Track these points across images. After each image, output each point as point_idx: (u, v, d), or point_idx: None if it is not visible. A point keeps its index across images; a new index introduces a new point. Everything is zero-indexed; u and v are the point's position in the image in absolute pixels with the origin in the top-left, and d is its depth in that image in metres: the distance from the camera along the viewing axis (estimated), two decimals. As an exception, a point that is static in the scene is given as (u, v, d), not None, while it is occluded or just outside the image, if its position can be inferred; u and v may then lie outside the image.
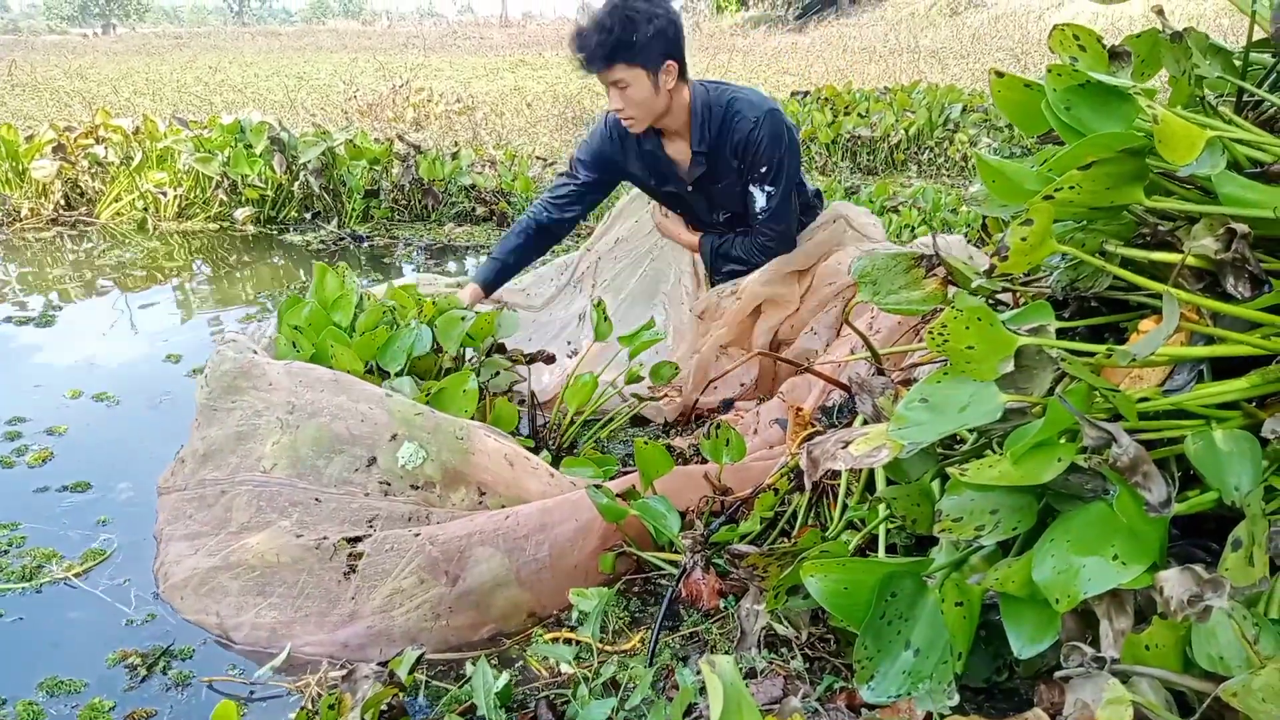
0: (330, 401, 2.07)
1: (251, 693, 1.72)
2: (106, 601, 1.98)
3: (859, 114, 7.69)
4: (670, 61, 2.60)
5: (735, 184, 2.81)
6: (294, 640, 1.83)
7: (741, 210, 2.86)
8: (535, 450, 2.44)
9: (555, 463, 2.41)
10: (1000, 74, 1.40)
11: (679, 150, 2.83)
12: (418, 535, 1.89)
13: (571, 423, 2.59)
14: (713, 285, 2.99)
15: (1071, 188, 1.16)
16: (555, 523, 1.96)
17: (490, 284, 3.03)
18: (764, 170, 2.72)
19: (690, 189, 2.88)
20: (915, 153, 7.31)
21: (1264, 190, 1.18)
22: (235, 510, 1.99)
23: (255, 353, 2.23)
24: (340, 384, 2.13)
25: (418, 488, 2.03)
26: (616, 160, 2.95)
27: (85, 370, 3.23)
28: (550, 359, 2.65)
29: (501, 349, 2.59)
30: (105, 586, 2.03)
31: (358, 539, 1.89)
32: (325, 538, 1.89)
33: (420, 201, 5.77)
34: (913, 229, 4.76)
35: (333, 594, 1.85)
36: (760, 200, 2.76)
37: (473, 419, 2.31)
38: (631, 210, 3.36)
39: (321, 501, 1.96)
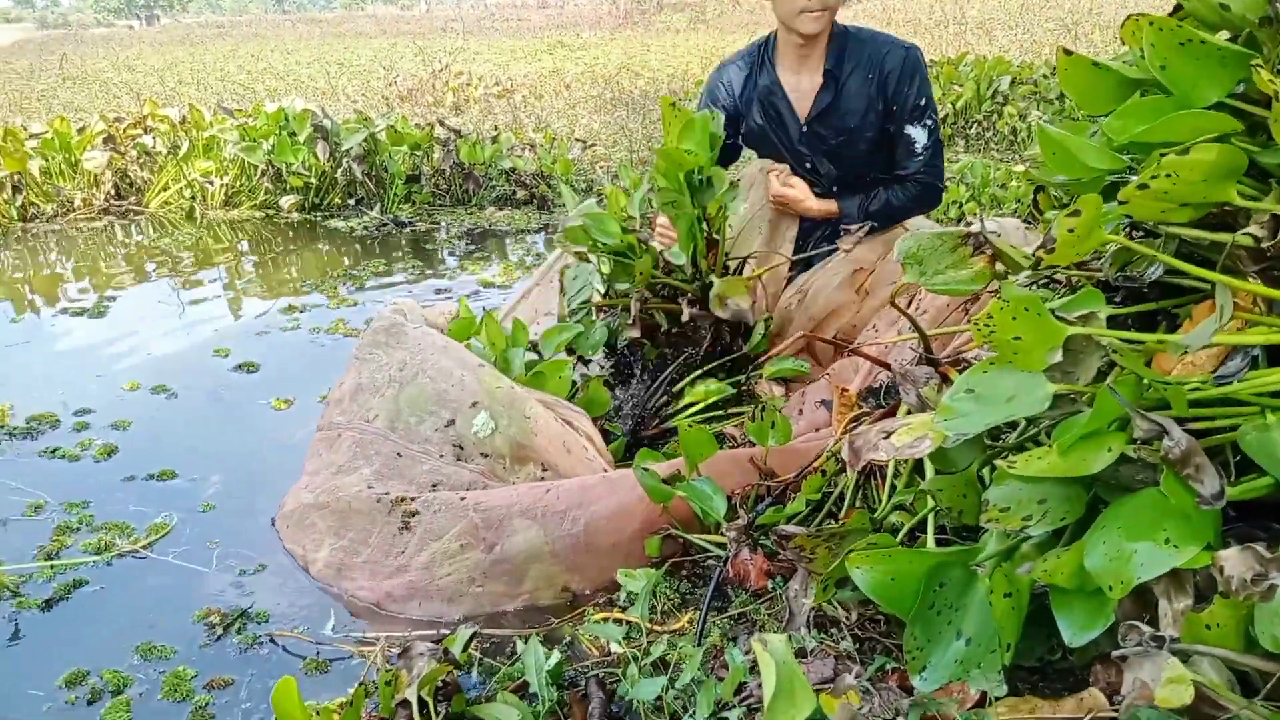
0: (437, 364, 2.20)
1: (318, 653, 1.82)
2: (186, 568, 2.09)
3: (903, 88, 7.56)
4: None
5: (867, 130, 2.59)
6: (351, 583, 1.98)
7: (862, 170, 2.66)
8: (628, 434, 2.49)
9: (631, 448, 2.45)
10: (1069, 52, 1.36)
11: (803, 88, 2.65)
12: (464, 500, 1.97)
13: (665, 416, 2.60)
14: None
15: (1167, 175, 1.10)
16: (593, 500, 1.99)
17: None
18: (923, 104, 2.54)
19: (805, 130, 2.66)
20: (963, 127, 7.19)
21: None
22: (340, 454, 2.14)
23: (404, 316, 2.43)
24: (449, 349, 2.27)
25: (487, 455, 2.12)
26: (738, 117, 2.78)
27: (142, 361, 3.31)
28: None
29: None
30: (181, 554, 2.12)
31: (413, 498, 1.99)
32: (388, 493, 2.01)
33: (461, 186, 5.80)
34: (960, 204, 4.69)
35: (387, 546, 1.98)
36: (921, 138, 2.56)
37: (570, 399, 2.44)
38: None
39: (402, 457, 2.09)
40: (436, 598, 1.92)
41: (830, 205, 2.72)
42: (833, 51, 2.57)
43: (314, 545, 2.06)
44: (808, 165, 2.76)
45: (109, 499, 2.38)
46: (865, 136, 2.61)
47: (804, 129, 2.68)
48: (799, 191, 2.71)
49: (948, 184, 4.89)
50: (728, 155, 2.88)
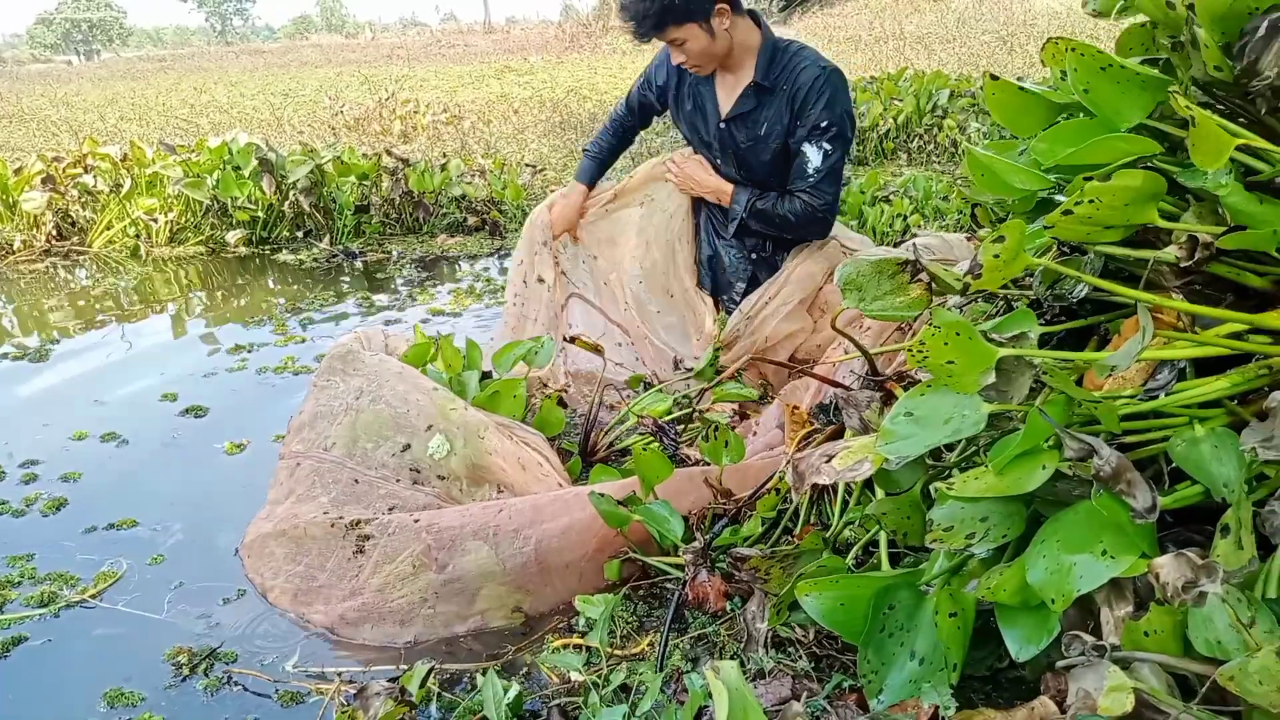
0: (393, 389, 2.23)
1: (276, 692, 1.81)
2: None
3: (846, 105, 7.68)
4: (720, 4, 2.52)
5: (772, 140, 2.65)
6: (308, 608, 2.00)
7: (764, 177, 2.74)
8: (583, 454, 2.52)
9: (586, 467, 2.47)
10: (994, 77, 1.40)
11: (729, 85, 2.72)
12: (417, 521, 1.98)
13: (626, 431, 2.61)
14: (721, 240, 2.93)
15: (1091, 201, 1.14)
16: (545, 519, 2.00)
17: (593, 182, 3.17)
18: (825, 125, 2.56)
19: (722, 125, 2.74)
20: (904, 141, 7.32)
21: (1268, 206, 1.17)
22: (299, 482, 2.16)
23: (361, 344, 2.47)
24: (404, 375, 2.30)
25: (444, 478, 2.15)
26: (667, 90, 2.92)
27: (89, 408, 3.22)
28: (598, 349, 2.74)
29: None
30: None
31: (368, 520, 2.01)
32: (342, 517, 2.03)
33: (411, 214, 5.77)
34: (905, 218, 4.77)
35: (342, 571, 2.00)
36: (815, 159, 2.58)
37: (523, 420, 2.47)
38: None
39: (359, 483, 2.11)
40: (389, 620, 1.95)
41: (724, 186, 2.83)
42: (761, 63, 2.63)
43: (272, 573, 2.09)
44: (716, 161, 2.87)
45: (56, 551, 2.32)
46: (770, 147, 2.68)
47: (721, 125, 2.75)
48: (695, 166, 2.89)
49: (891, 198, 4.99)
50: (645, 116, 3.11)
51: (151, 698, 1.81)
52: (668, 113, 3.03)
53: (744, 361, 2.69)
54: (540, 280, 3.16)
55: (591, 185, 3.16)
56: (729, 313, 2.93)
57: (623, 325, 3.14)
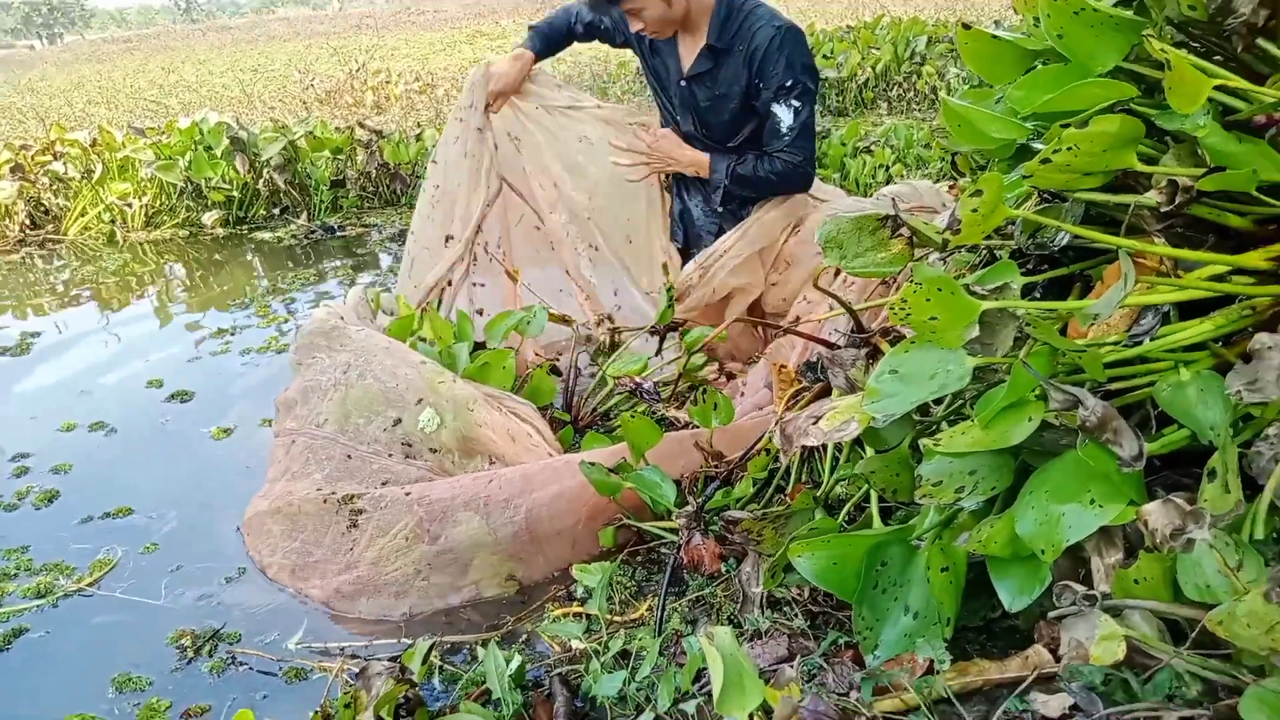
0: (381, 364, 2.23)
1: (280, 670, 1.83)
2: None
3: (824, 55, 7.61)
4: None
5: (731, 100, 2.63)
6: (305, 583, 2.03)
7: (724, 136, 2.73)
8: (574, 422, 2.52)
9: (579, 435, 2.47)
10: (967, 26, 1.38)
11: (689, 44, 2.69)
12: (409, 495, 2.00)
13: (608, 396, 2.61)
14: (715, 214, 2.88)
15: (1070, 148, 1.12)
16: (535, 488, 2.02)
17: (541, 55, 3.00)
18: (790, 84, 2.52)
19: (684, 84, 2.71)
20: (884, 90, 7.26)
21: (1247, 145, 1.16)
22: (293, 460, 2.18)
23: (341, 319, 2.45)
24: (391, 350, 2.29)
25: (435, 451, 2.15)
26: (632, 40, 2.86)
27: (76, 398, 3.20)
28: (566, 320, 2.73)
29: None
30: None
31: (358, 496, 2.03)
32: (334, 493, 2.05)
33: (388, 186, 5.71)
34: (887, 168, 4.74)
35: (337, 545, 2.03)
36: (787, 118, 2.56)
37: (515, 390, 2.46)
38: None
39: (351, 459, 2.12)
40: (384, 592, 1.97)
41: (701, 158, 2.76)
42: (714, 25, 2.60)
43: (269, 550, 2.11)
44: (676, 119, 2.83)
45: (50, 542, 2.31)
46: (730, 107, 2.65)
47: (681, 83, 2.73)
48: (669, 142, 2.80)
49: (872, 149, 4.96)
50: (591, 38, 3.00)
51: (159, 681, 1.82)
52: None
53: (733, 323, 2.67)
54: (468, 156, 2.93)
55: (539, 57, 2.99)
56: None
57: (555, 241, 3.08)
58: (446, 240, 2.89)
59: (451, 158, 2.93)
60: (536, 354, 2.91)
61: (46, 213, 5.64)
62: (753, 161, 2.68)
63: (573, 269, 3.04)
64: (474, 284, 2.98)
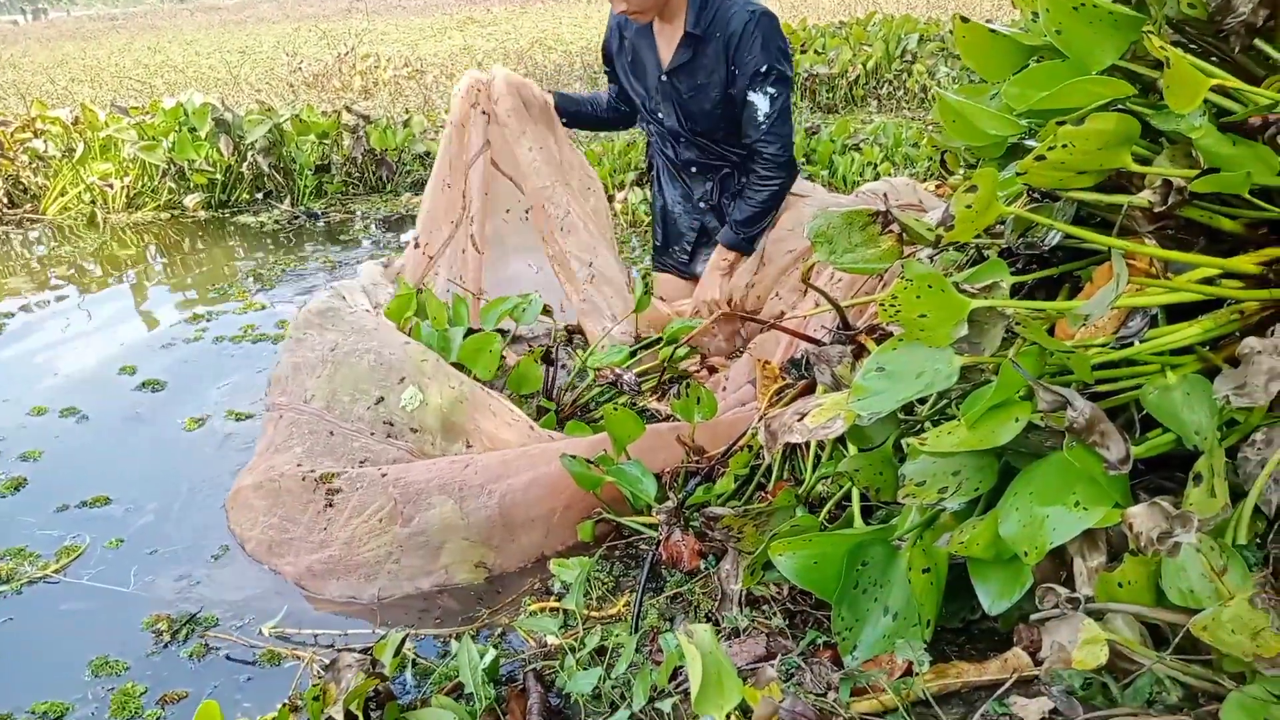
0: (367, 345, 2.24)
1: (254, 657, 1.80)
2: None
3: (815, 51, 7.60)
4: None
5: (712, 89, 2.65)
6: (279, 559, 2.03)
7: (710, 125, 2.73)
8: (556, 412, 2.50)
9: (560, 424, 2.44)
10: (965, 20, 1.36)
11: (667, 37, 2.71)
12: (384, 476, 2.00)
13: (588, 387, 2.59)
14: (698, 211, 2.93)
15: (1064, 146, 1.11)
16: (510, 474, 2.00)
17: (560, 102, 2.99)
18: (764, 70, 2.56)
19: (665, 79, 2.73)
20: (874, 87, 7.25)
21: (1242, 148, 1.14)
22: (277, 435, 2.17)
23: (343, 298, 2.48)
24: (378, 330, 2.31)
25: (417, 431, 2.15)
26: (613, 54, 2.90)
27: (48, 382, 3.13)
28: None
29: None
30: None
31: (335, 475, 2.03)
32: (313, 471, 2.04)
33: (374, 173, 5.65)
34: (875, 166, 4.73)
35: (313, 523, 2.02)
36: (764, 106, 2.59)
37: (501, 378, 2.48)
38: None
39: (334, 435, 2.12)
40: (355, 574, 1.96)
41: (720, 263, 2.77)
42: (692, 13, 2.61)
43: (250, 524, 2.12)
44: (659, 115, 2.84)
45: (17, 529, 2.27)
46: (711, 95, 2.67)
47: (662, 78, 2.74)
48: (711, 288, 2.79)
49: (861, 146, 4.94)
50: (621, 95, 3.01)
51: (136, 666, 1.79)
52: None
53: (716, 318, 2.66)
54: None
55: (558, 104, 2.97)
56: (677, 265, 2.99)
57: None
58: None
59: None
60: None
61: (25, 191, 5.55)
62: (741, 204, 2.72)
63: (549, 236, 2.95)
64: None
